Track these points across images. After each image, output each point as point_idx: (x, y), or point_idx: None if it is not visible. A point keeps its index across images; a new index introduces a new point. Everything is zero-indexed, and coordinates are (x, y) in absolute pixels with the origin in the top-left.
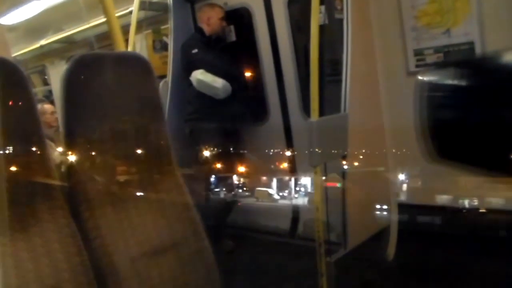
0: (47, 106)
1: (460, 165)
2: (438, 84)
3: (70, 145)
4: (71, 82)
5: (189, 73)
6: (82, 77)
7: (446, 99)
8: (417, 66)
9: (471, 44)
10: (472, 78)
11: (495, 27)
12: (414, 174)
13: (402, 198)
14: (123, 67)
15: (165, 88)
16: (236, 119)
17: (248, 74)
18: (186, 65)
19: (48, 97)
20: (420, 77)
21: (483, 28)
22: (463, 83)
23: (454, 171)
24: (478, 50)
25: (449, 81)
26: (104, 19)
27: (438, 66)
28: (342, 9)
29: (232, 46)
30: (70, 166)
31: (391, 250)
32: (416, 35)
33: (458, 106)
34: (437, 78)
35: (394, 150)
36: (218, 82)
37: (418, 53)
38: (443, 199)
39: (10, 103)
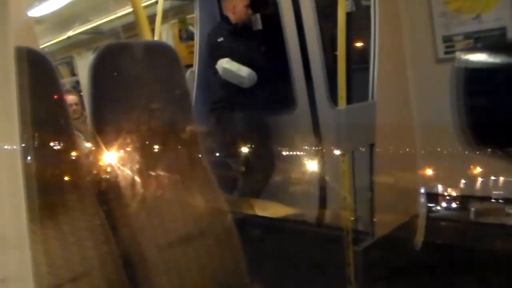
0: (70, 97)
1: (501, 152)
2: (476, 68)
3: (97, 135)
4: (98, 71)
5: (215, 62)
6: (109, 66)
7: (484, 85)
8: (446, 53)
9: (502, 29)
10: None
11: None
12: (444, 163)
13: (431, 187)
14: (150, 56)
15: (191, 77)
16: (262, 108)
17: (274, 62)
18: (212, 54)
19: (76, 88)
20: (456, 63)
21: None
22: (501, 67)
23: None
24: (510, 36)
25: (487, 66)
26: (130, 9)
27: (474, 50)
28: None
29: (258, 34)
30: (98, 156)
31: (419, 239)
32: (445, 21)
33: (497, 92)
34: (474, 63)
35: (423, 138)
36: (243, 71)
37: (447, 39)
38: (471, 188)
39: (39, 93)
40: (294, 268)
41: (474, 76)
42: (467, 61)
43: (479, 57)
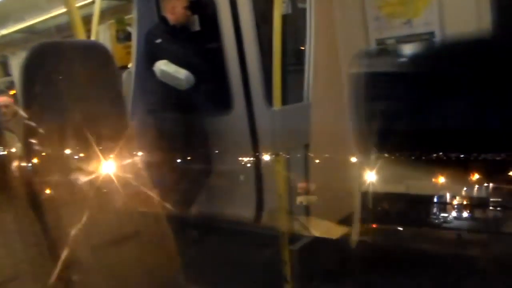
0: (1, 99)
1: (395, 157)
2: (372, 74)
3: (29, 135)
4: (30, 70)
5: (153, 63)
6: (41, 65)
7: (381, 89)
8: None
9: (431, 34)
10: (407, 67)
11: (455, 17)
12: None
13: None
14: (83, 55)
15: (128, 78)
16: (199, 110)
17: (212, 64)
18: (150, 55)
19: (10, 88)
20: (353, 69)
21: (443, 19)
22: (398, 71)
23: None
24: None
25: (383, 70)
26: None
27: (372, 55)
28: None
29: (196, 35)
30: (30, 157)
31: (354, 237)
32: (378, 25)
33: (392, 96)
34: (371, 68)
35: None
36: (181, 73)
37: (380, 43)
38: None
39: None
40: (231, 268)
41: (369, 82)
42: (363, 66)
43: (374, 63)
